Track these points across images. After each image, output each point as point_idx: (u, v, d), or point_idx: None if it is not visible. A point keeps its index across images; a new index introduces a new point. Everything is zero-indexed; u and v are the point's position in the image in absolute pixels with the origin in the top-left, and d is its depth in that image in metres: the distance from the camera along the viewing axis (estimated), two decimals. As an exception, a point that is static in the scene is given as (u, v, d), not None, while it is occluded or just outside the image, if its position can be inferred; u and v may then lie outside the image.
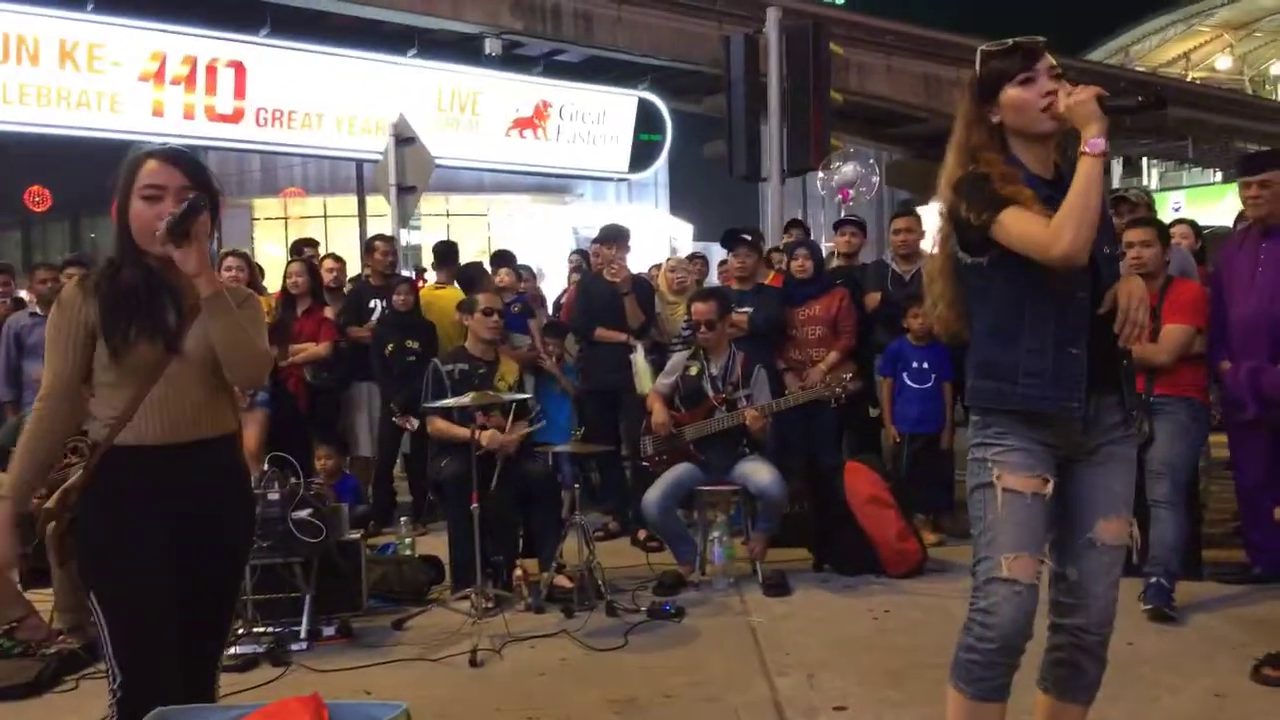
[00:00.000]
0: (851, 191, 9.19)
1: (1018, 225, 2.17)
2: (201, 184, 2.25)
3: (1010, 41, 2.30)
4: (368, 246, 7.15)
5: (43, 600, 4.18)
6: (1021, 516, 2.24)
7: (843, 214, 7.82)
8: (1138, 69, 28.49)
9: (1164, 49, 31.20)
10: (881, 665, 3.72)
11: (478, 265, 7.47)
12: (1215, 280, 4.56)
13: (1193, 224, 6.52)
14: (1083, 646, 2.35)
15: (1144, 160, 29.86)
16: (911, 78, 17.64)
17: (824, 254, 6.67)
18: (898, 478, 5.33)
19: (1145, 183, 28.85)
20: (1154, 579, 4.16)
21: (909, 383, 5.53)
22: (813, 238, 7.73)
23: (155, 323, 2.20)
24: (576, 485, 4.98)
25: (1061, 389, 2.22)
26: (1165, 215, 7.06)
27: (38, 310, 6.07)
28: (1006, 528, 2.24)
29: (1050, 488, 2.26)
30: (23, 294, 6.80)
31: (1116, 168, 29.65)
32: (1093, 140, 2.15)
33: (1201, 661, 3.67)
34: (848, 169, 8.35)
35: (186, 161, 2.27)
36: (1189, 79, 29.70)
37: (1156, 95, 2.72)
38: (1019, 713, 2.49)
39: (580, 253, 8.08)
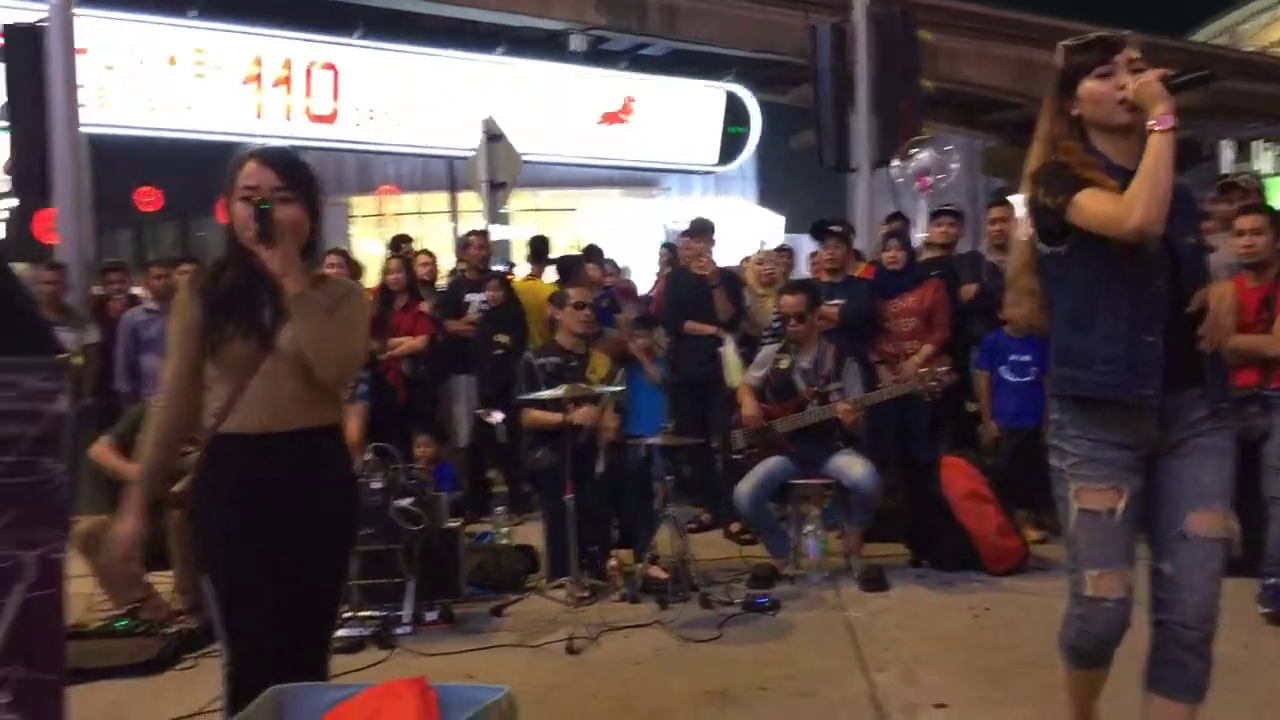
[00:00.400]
0: (929, 178, 8.99)
1: (1093, 204, 2.20)
2: (298, 183, 2.30)
3: (1091, 35, 2.33)
4: (463, 242, 7.28)
5: (163, 582, 4.38)
6: (1100, 535, 2.29)
7: (921, 203, 7.67)
8: (1246, 48, 27.26)
9: (1274, 28, 29.76)
10: (982, 663, 3.66)
11: (575, 256, 7.55)
12: None
13: (1308, 210, 6.22)
14: (1184, 643, 2.30)
15: (1257, 144, 28.56)
16: (1004, 63, 17.16)
17: (918, 244, 6.56)
18: (997, 473, 5.23)
19: (1257, 168, 27.60)
20: (1272, 580, 4.01)
21: (1007, 376, 5.41)
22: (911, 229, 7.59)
23: (251, 321, 2.27)
24: (669, 477, 5.01)
25: (1135, 376, 2.23)
26: (1279, 202, 6.76)
27: (152, 306, 6.35)
28: (1086, 546, 2.30)
29: (1125, 499, 2.27)
30: (136, 291, 7.11)
31: (1228, 153, 28.44)
32: (1161, 116, 2.17)
33: (1322, 665, 3.52)
34: (924, 155, 8.16)
35: (282, 162, 2.32)
36: (1302, 58, 28.31)
37: (1200, 68, 2.65)
38: (1128, 710, 2.43)
39: (668, 246, 8.10)
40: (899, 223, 7.59)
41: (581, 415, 4.73)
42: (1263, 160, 28.61)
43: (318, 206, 2.36)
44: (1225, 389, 2.33)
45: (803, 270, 8.46)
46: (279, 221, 2.23)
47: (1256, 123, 23.66)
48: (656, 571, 4.66)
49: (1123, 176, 2.22)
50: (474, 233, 7.40)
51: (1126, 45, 2.29)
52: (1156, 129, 2.17)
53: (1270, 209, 4.56)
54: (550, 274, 7.55)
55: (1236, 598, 4.12)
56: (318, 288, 2.32)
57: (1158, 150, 2.17)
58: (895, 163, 8.46)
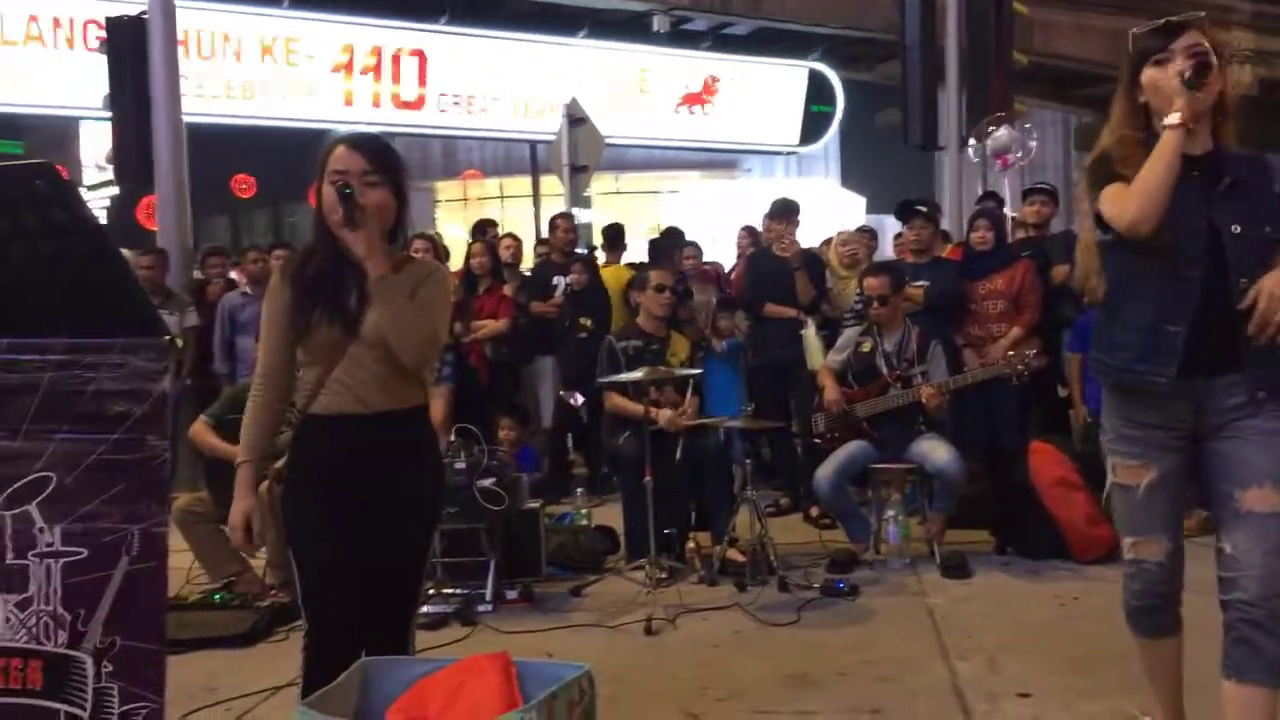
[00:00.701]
0: (1011, 157, 8.72)
1: (1108, 200, 2.30)
2: (385, 167, 2.34)
3: (1161, 21, 2.34)
4: (550, 225, 7.35)
5: (257, 558, 4.53)
6: (1133, 506, 2.42)
7: (1007, 183, 7.46)
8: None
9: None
10: (1068, 653, 3.58)
11: (667, 240, 7.58)
12: None
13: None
14: (1252, 620, 2.28)
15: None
16: (1101, 35, 16.54)
17: (1010, 224, 6.39)
18: (1087, 459, 5.08)
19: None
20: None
21: (1099, 359, 5.25)
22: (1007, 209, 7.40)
23: (337, 306, 2.32)
24: (748, 460, 4.99)
25: (1149, 363, 2.30)
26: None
27: (248, 290, 6.56)
28: (1124, 516, 2.48)
29: (1153, 475, 2.36)
30: (233, 275, 7.35)
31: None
32: (1171, 114, 2.23)
33: None
34: (1002, 134, 7.91)
35: (371, 147, 2.37)
36: None
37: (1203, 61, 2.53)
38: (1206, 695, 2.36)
39: (749, 228, 8.05)
40: (989, 202, 7.41)
41: (665, 420, 4.73)
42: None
43: (404, 191, 2.41)
44: (1269, 374, 2.28)
45: (888, 251, 8.32)
46: (363, 205, 2.27)
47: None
48: (735, 554, 4.66)
49: (1186, 164, 2.25)
50: (560, 215, 7.46)
51: (1189, 30, 2.29)
52: (1165, 125, 2.23)
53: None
54: (628, 258, 7.61)
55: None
56: (401, 270, 2.37)
57: (1160, 148, 2.23)
58: (972, 142, 8.24)
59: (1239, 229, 2.27)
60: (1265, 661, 2.28)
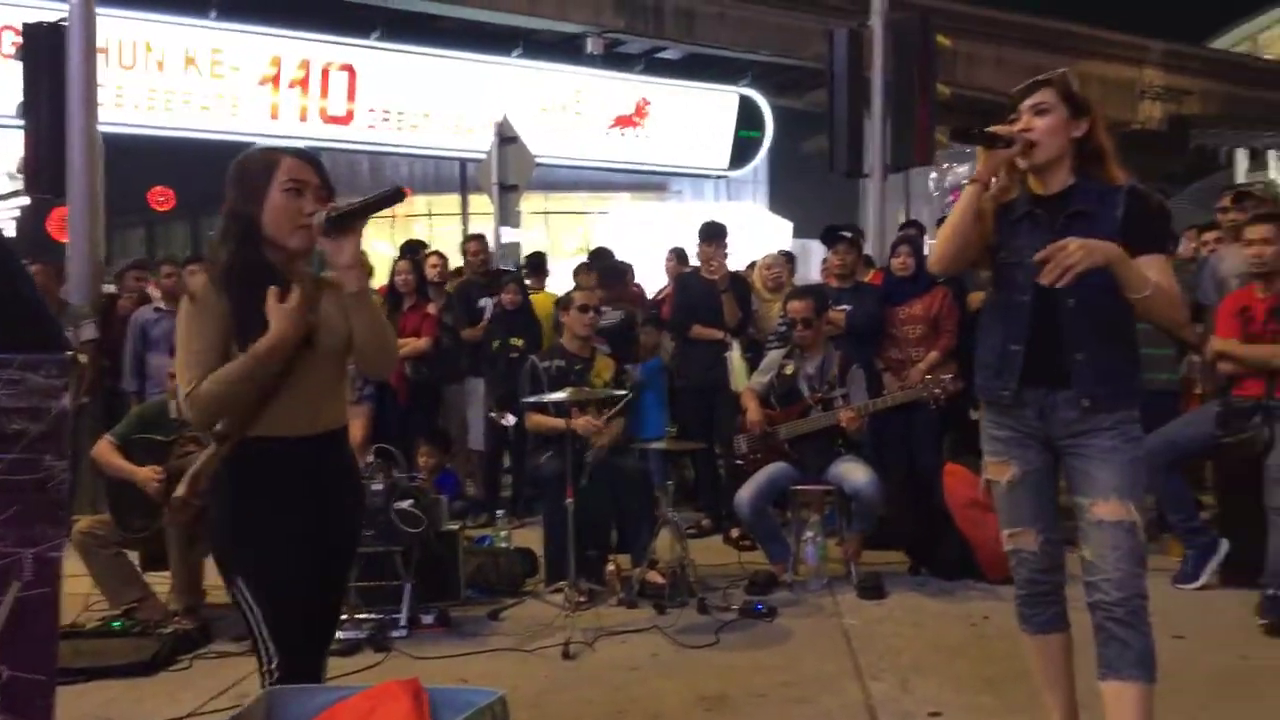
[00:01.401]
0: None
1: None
2: (327, 182, 2.30)
3: (1030, 81, 2.60)
4: (461, 250, 7.33)
5: (160, 583, 4.39)
6: (1005, 501, 2.65)
7: (928, 211, 7.66)
8: (1266, 56, 27.04)
9: (1296, 35, 29.49)
10: (978, 672, 3.64)
11: (618, 264, 7.60)
12: None
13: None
14: (1115, 619, 2.45)
15: (1271, 153, 28.32)
16: (1020, 69, 17.03)
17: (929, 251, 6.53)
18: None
19: (1272, 177, 27.34)
20: (1271, 591, 3.98)
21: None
22: (927, 237, 7.57)
23: None
24: (669, 482, 5.00)
25: (999, 380, 2.57)
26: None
27: (162, 305, 6.38)
28: (1001, 510, 2.67)
29: (1013, 471, 2.60)
30: (147, 289, 7.14)
31: (1242, 161, 28.21)
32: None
33: (1324, 681, 3.48)
34: (962, 169, 8.15)
35: (318, 161, 2.33)
36: (1323, 66, 28.05)
37: (980, 129, 2.73)
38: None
39: (677, 250, 8.09)
40: (911, 229, 7.57)
41: (581, 425, 4.73)
42: (1276, 169, 28.35)
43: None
44: (1098, 388, 2.46)
45: (814, 275, 8.44)
46: (351, 213, 2.23)
47: (1271, 131, 23.48)
48: (654, 576, 4.65)
49: (1027, 204, 2.57)
50: (470, 238, 7.43)
51: (1040, 89, 2.54)
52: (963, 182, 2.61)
53: (1282, 218, 4.52)
54: (551, 285, 7.65)
55: (1236, 610, 4.12)
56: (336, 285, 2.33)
57: (959, 202, 2.58)
58: (933, 175, 8.44)
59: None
60: (1134, 656, 2.44)
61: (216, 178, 2.41)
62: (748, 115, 17.17)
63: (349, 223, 2.21)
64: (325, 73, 13.54)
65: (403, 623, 4.22)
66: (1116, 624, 2.44)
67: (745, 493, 4.87)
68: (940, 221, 6.54)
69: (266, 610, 2.25)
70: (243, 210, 2.27)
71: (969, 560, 4.77)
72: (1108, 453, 2.47)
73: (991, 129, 2.54)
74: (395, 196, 2.24)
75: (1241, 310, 4.33)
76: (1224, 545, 4.47)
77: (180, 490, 2.30)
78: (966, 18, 16.92)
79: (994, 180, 2.59)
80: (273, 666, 2.25)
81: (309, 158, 2.31)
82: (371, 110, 14.00)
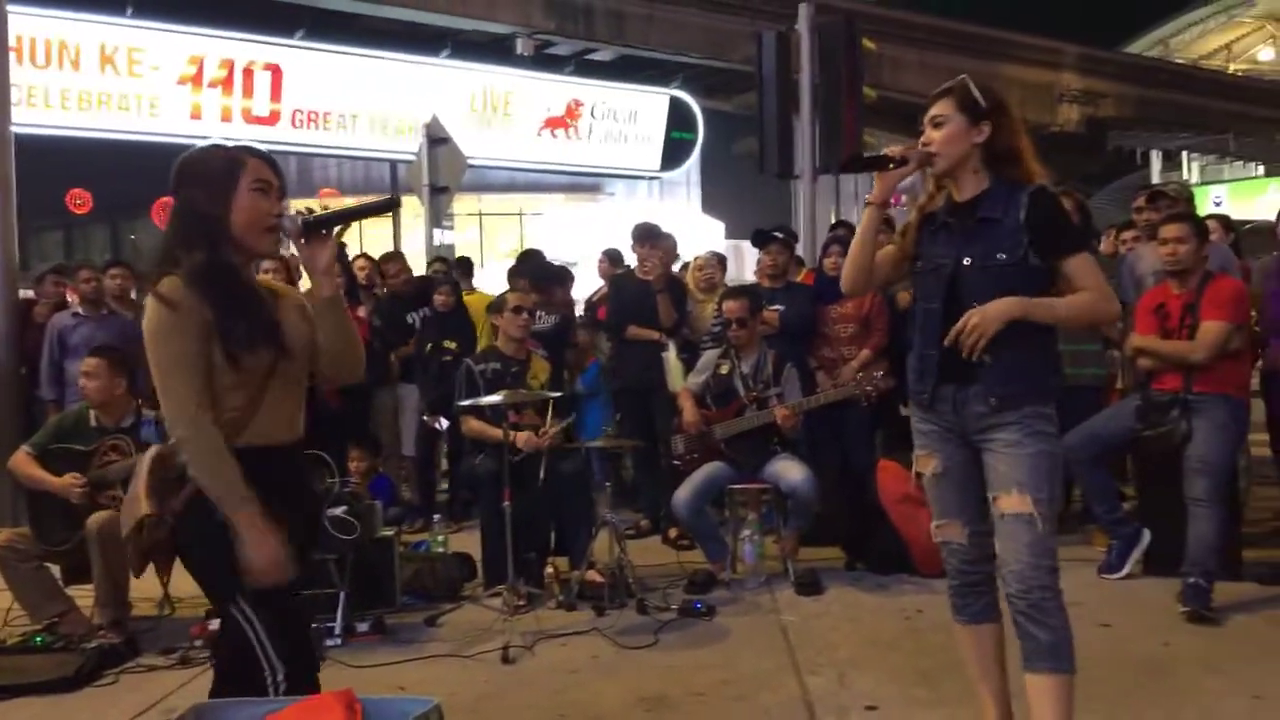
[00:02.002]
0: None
1: None
2: (285, 186, 2.27)
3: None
4: (380, 272, 6.97)
5: (83, 596, 4.26)
6: (933, 492, 2.74)
7: (858, 212, 7.78)
8: (1178, 60, 28.03)
9: (1205, 40, 30.65)
10: (913, 665, 3.70)
11: (556, 267, 7.52)
12: None
13: (1224, 219, 6.41)
14: (1021, 612, 2.51)
15: (1185, 154, 29.36)
16: (941, 72, 17.39)
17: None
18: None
19: (1185, 177, 28.35)
20: (1191, 579, 4.10)
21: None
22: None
23: (268, 324, 2.19)
24: (608, 484, 4.99)
25: (920, 383, 2.68)
26: (1205, 210, 6.95)
27: (80, 310, 6.18)
28: (931, 502, 2.76)
29: (937, 463, 2.69)
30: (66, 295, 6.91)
31: (1156, 162, 29.21)
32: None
33: (1240, 663, 3.60)
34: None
35: (276, 163, 2.27)
36: (1230, 71, 29.18)
37: (865, 155, 2.87)
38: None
39: (609, 252, 8.08)
40: (841, 230, 7.67)
41: (524, 441, 4.70)
42: (1191, 170, 29.40)
43: None
44: (1004, 388, 2.54)
45: (748, 275, 8.51)
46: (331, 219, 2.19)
47: (1185, 133, 24.34)
48: (594, 576, 4.64)
49: (946, 214, 2.65)
50: (387, 257, 7.11)
51: (940, 100, 2.61)
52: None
53: (1195, 218, 4.68)
54: (486, 287, 7.62)
55: (1160, 598, 4.25)
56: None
57: (860, 224, 2.78)
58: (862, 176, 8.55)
59: (970, 261, 2.58)
60: (1044, 649, 2.49)
61: (135, 179, 2.36)
62: (679, 117, 17.27)
63: (328, 227, 2.17)
64: (249, 72, 13.27)
65: (337, 631, 4.15)
66: (1024, 617, 2.50)
67: (683, 493, 4.88)
68: (838, 223, 6.67)
69: (270, 624, 2.19)
70: (209, 211, 2.18)
71: (903, 555, 4.84)
72: (1011, 447, 2.54)
73: (880, 153, 2.66)
74: (387, 205, 2.20)
75: (1158, 307, 4.47)
76: (1146, 535, 4.60)
77: (145, 509, 2.19)
78: (891, 21, 17.25)
79: (920, 196, 2.72)
80: (279, 679, 2.19)
81: (268, 158, 2.26)
82: (297, 110, 13.76)
